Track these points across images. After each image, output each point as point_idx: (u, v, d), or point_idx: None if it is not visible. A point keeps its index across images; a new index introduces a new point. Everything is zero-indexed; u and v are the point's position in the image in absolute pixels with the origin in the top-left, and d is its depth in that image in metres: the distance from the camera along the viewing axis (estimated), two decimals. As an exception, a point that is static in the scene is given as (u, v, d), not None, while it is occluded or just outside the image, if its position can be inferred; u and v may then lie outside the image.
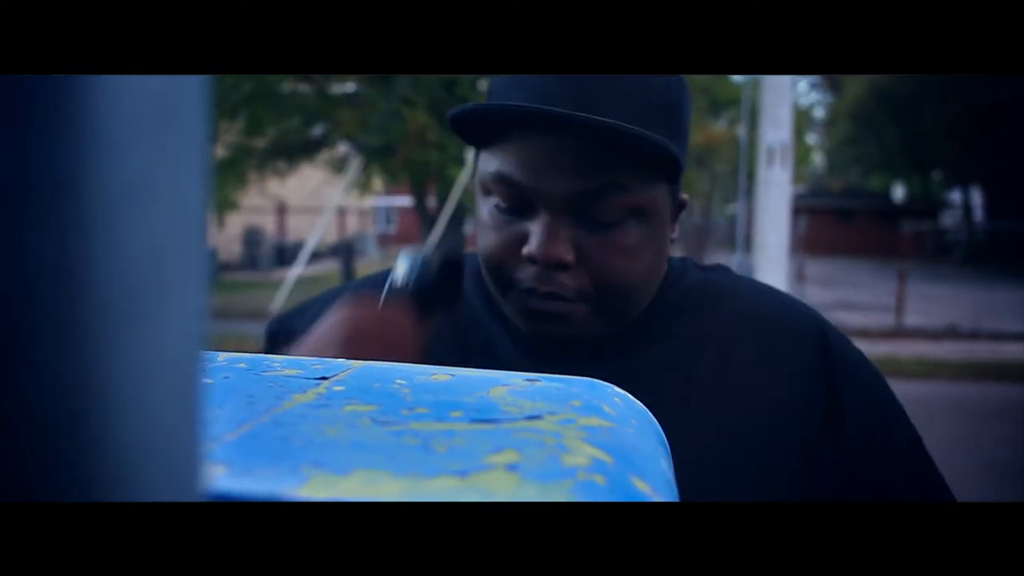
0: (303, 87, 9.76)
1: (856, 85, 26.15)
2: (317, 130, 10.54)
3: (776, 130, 7.36)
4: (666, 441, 0.40)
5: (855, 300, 12.73)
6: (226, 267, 17.25)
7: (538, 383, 0.39)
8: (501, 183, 0.63)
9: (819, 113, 34.06)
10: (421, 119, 8.44)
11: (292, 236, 18.72)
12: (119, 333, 0.14)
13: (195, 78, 0.15)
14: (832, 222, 26.52)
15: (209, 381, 0.37)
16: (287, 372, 0.40)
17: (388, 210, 27.54)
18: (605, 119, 0.58)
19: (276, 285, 9.84)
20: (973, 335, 9.34)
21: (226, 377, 0.38)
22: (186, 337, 0.15)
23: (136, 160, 0.14)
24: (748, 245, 9.75)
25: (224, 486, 0.24)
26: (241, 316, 9.53)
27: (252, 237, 18.59)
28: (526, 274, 0.64)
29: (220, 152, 9.91)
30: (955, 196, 28.66)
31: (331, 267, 15.41)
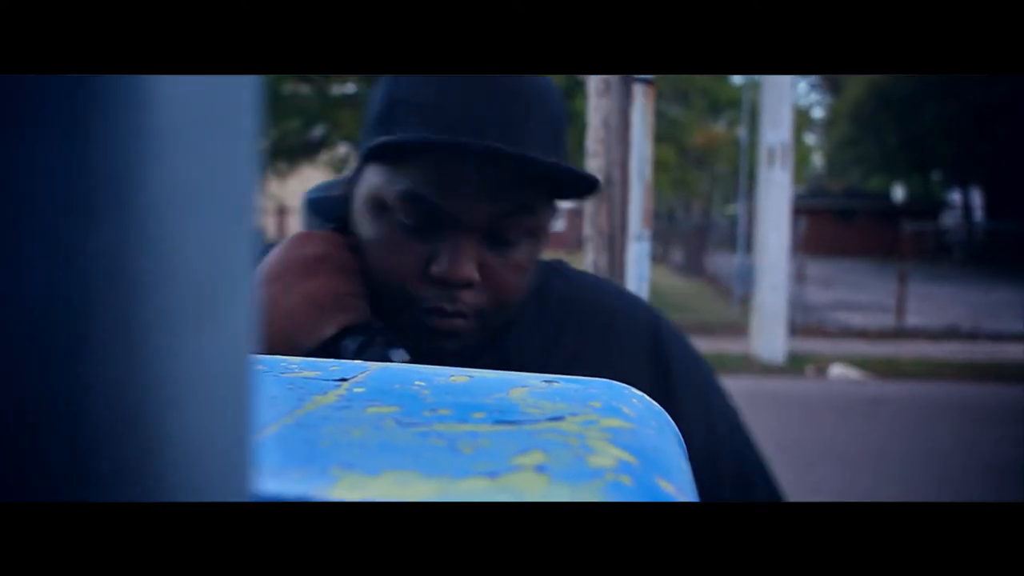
0: (303, 88, 9.76)
1: (856, 85, 26.17)
2: (317, 131, 10.55)
3: (776, 130, 7.37)
4: (683, 440, 0.40)
5: (855, 300, 12.74)
6: (226, 268, 17.20)
7: (556, 384, 0.39)
8: (412, 201, 0.63)
9: (818, 114, 34.10)
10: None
11: (292, 237, 18.66)
12: (174, 336, 0.14)
13: (249, 79, 0.15)
14: (832, 223, 26.53)
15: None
16: (305, 373, 0.40)
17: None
18: (535, 156, 0.61)
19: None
20: (973, 335, 9.34)
21: (245, 378, 0.38)
22: (239, 339, 0.15)
23: (191, 163, 0.14)
24: (748, 246, 9.76)
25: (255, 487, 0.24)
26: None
27: (252, 238, 18.52)
28: (430, 293, 0.64)
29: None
30: (955, 196, 28.68)
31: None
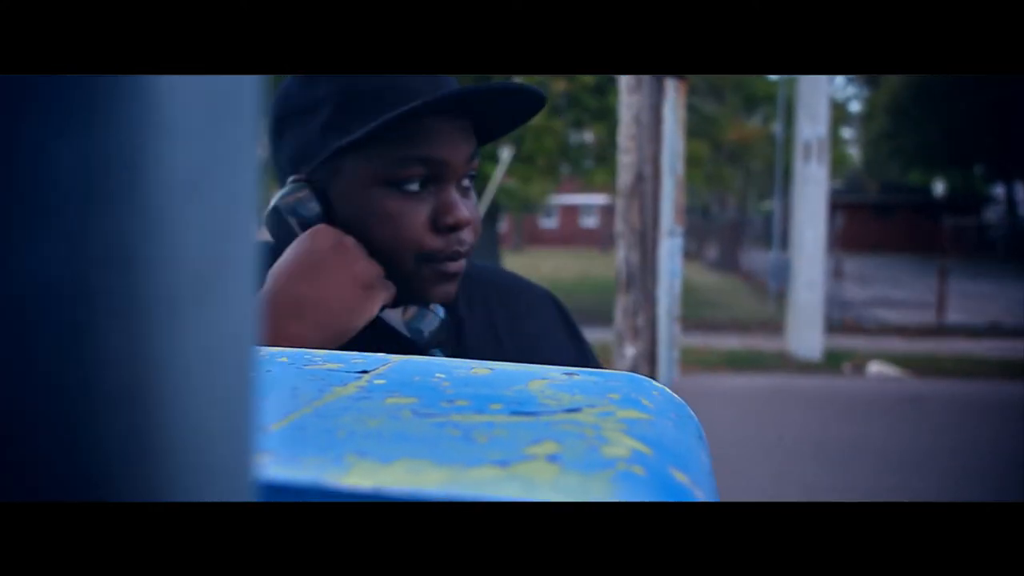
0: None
1: (894, 78, 25.70)
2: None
3: (813, 124, 7.27)
4: (704, 435, 0.40)
5: (894, 297, 12.53)
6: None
7: (576, 376, 0.39)
8: (418, 164, 0.71)
9: (855, 108, 33.56)
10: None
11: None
12: (175, 321, 0.14)
13: (250, 79, 0.15)
14: (871, 218, 26.12)
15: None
16: (328, 366, 0.40)
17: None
18: (532, 86, 0.71)
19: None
20: (1016, 332, 9.13)
21: (268, 371, 0.39)
22: (239, 328, 0.15)
23: (193, 155, 0.14)
24: (784, 242, 9.65)
25: (270, 474, 0.24)
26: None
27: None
28: (442, 242, 0.72)
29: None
30: (999, 191, 28.06)
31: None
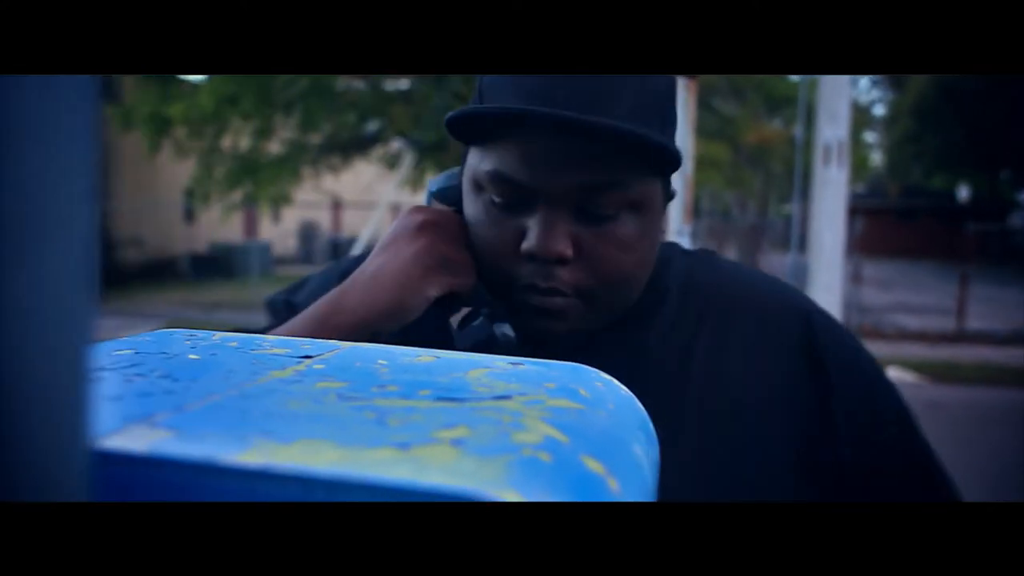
0: (357, 84, 9.87)
1: (919, 80, 25.42)
2: (371, 126, 10.66)
3: (833, 127, 7.19)
4: (651, 429, 0.40)
5: (914, 303, 12.41)
6: (281, 261, 17.59)
7: (521, 366, 0.39)
8: (499, 181, 0.63)
9: (880, 111, 33.24)
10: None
11: (347, 231, 19.00)
12: (6, 323, 0.14)
13: (83, 78, 0.15)
14: (892, 222, 25.86)
15: (195, 357, 0.38)
16: (274, 351, 0.40)
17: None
18: (607, 121, 0.58)
19: (328, 279, 9.94)
20: (1039, 340, 9.01)
21: (213, 354, 0.39)
22: (72, 330, 0.15)
23: (27, 156, 0.14)
24: (803, 245, 9.57)
25: (165, 450, 0.24)
26: (294, 309, 9.66)
27: (307, 232, 18.95)
28: (525, 270, 0.64)
29: (275, 148, 10.08)
30: (1024, 197, 27.69)
31: (383, 262, 15.50)
